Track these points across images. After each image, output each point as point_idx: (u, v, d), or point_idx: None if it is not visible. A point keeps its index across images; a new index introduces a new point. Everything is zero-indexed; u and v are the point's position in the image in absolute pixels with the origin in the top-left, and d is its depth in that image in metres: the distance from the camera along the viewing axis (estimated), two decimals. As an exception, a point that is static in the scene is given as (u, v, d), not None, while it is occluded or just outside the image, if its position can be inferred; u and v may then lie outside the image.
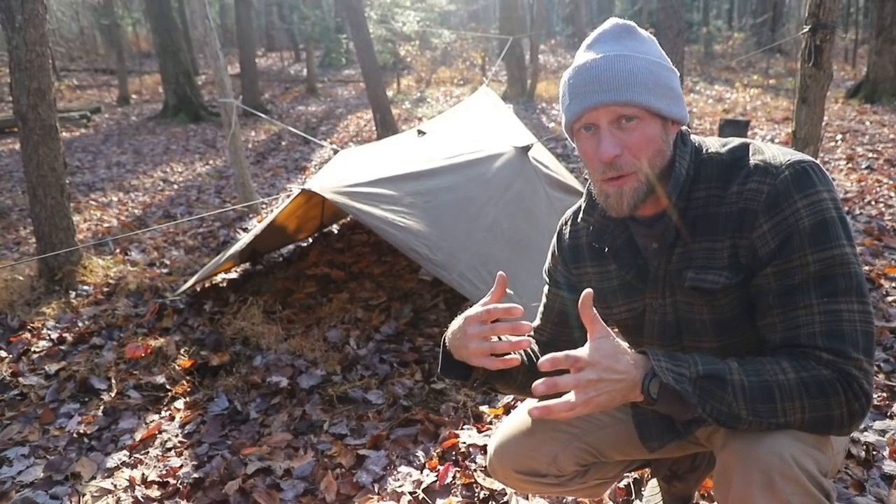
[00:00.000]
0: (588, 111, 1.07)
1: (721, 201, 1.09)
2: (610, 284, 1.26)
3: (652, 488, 1.78)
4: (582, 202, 1.28)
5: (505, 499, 1.88)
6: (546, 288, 1.40)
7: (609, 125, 1.06)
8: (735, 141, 1.14)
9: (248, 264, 4.01)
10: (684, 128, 1.16)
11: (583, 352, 0.97)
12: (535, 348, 1.36)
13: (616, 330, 1.29)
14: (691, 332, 1.17)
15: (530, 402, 1.42)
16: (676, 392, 0.97)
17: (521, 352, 1.28)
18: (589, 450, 1.33)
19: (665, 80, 1.08)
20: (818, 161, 1.05)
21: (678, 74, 1.13)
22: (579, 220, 1.29)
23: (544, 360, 0.95)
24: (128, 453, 2.26)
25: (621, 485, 1.88)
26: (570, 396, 0.94)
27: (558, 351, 1.32)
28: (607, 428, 1.34)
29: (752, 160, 1.07)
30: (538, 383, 0.93)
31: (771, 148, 1.09)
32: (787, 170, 1.02)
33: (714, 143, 1.15)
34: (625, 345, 1.01)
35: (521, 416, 1.39)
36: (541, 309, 1.41)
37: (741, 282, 1.08)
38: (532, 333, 1.42)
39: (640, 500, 1.82)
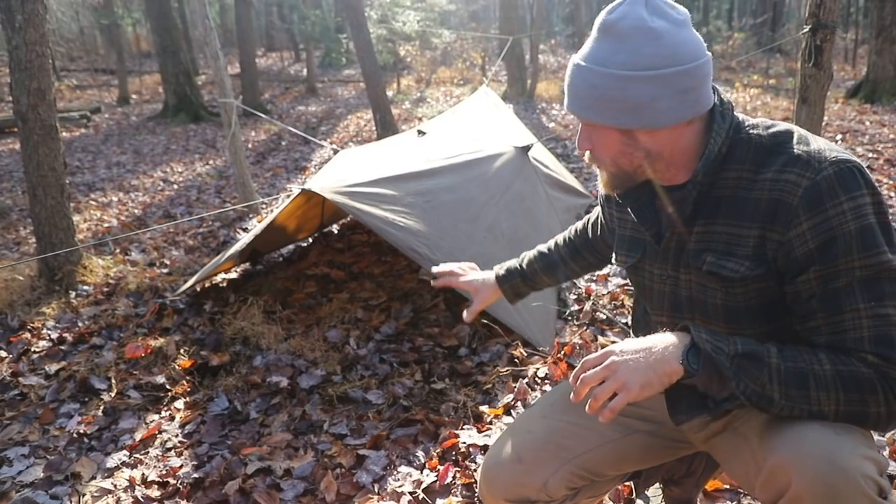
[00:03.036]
0: (569, 110, 1.16)
1: (752, 186, 1.06)
2: (622, 232, 1.35)
3: (655, 489, 1.78)
4: None
5: (505, 499, 1.88)
6: (599, 206, 1.54)
7: (584, 124, 1.15)
8: (781, 125, 1.10)
9: (248, 264, 4.01)
10: (728, 100, 1.13)
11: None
12: (577, 247, 1.62)
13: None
14: (703, 312, 1.18)
15: (520, 424, 1.39)
16: (714, 365, 0.99)
17: (551, 261, 1.63)
18: (580, 473, 1.30)
19: (623, 95, 1.04)
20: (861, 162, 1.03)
21: (666, 73, 1.03)
22: None
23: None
24: (128, 453, 2.26)
25: (624, 483, 1.88)
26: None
27: (588, 252, 1.62)
28: (599, 448, 1.31)
29: (796, 149, 1.04)
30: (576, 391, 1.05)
31: (817, 140, 1.05)
32: (831, 167, 0.99)
33: (759, 124, 1.11)
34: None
35: (508, 440, 1.35)
36: (591, 219, 1.60)
37: (761, 274, 1.07)
38: (578, 233, 1.64)
39: (643, 500, 1.82)
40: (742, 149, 1.09)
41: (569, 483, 1.30)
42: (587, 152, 1.17)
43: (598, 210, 1.56)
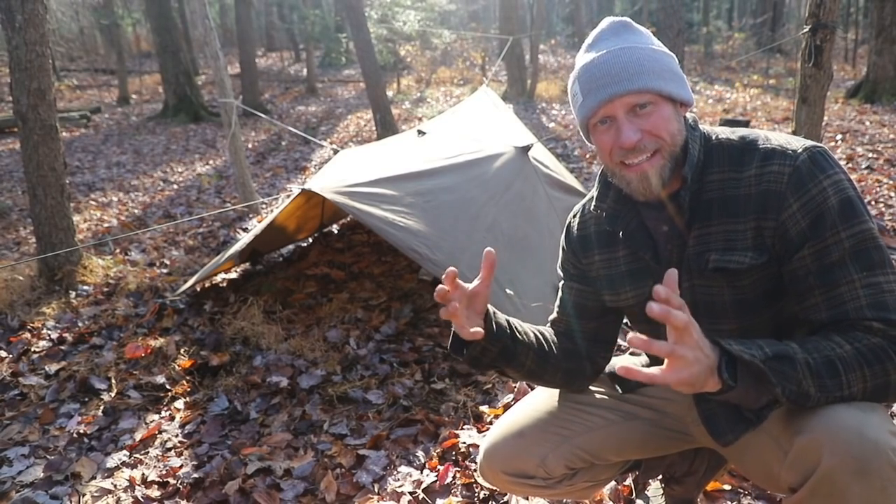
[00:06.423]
0: (603, 104, 1.11)
1: (738, 184, 1.13)
2: (618, 271, 1.29)
3: (655, 489, 1.78)
4: (593, 192, 1.32)
5: (505, 499, 1.88)
6: (561, 282, 1.44)
7: (626, 115, 1.11)
8: (742, 129, 1.19)
9: (248, 264, 4.01)
10: (692, 116, 1.20)
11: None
12: (554, 338, 1.36)
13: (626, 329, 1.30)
14: (710, 314, 1.19)
15: (525, 404, 1.42)
16: (756, 374, 0.97)
17: (534, 336, 1.30)
18: (579, 453, 1.32)
19: (669, 66, 1.14)
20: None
21: (677, 60, 1.18)
22: (588, 209, 1.34)
23: (633, 338, 0.89)
24: (128, 453, 2.26)
25: (624, 483, 1.88)
26: (656, 369, 0.91)
27: (573, 341, 1.37)
28: (599, 430, 1.33)
29: (767, 145, 1.12)
30: (633, 336, 0.89)
31: (780, 135, 1.15)
32: (804, 153, 1.08)
33: (724, 131, 1.20)
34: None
35: (511, 418, 1.38)
36: (557, 302, 1.45)
37: (765, 262, 1.11)
38: (549, 325, 1.45)
39: (643, 500, 1.82)
40: (718, 154, 1.16)
41: (568, 462, 1.32)
42: (634, 145, 1.10)
43: (561, 295, 1.42)
